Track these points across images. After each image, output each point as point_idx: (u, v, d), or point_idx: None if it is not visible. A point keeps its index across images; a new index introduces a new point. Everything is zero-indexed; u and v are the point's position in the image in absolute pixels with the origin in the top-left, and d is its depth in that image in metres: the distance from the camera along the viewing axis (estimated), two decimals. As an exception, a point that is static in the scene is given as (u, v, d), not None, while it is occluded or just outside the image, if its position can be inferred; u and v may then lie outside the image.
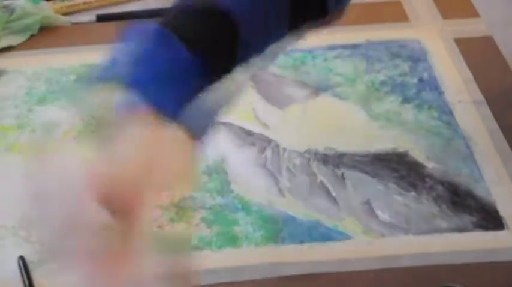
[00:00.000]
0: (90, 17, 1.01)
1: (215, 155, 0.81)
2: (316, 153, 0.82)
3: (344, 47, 0.95)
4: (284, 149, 0.82)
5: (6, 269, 0.71)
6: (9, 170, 0.80)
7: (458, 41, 0.95)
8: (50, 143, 0.83)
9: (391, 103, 0.87)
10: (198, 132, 0.55)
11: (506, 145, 0.82)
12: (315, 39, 0.95)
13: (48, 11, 0.98)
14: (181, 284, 0.50)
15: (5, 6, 0.98)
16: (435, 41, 0.95)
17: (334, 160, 0.81)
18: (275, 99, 0.88)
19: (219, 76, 0.57)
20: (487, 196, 0.77)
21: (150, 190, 0.51)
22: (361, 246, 0.73)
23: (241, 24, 0.57)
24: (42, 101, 0.88)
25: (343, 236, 0.74)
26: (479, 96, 0.88)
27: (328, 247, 0.73)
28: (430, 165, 0.80)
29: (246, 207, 0.76)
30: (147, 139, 0.52)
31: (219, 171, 0.80)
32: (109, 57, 0.55)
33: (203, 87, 0.56)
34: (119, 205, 0.49)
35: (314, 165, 0.80)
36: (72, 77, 0.91)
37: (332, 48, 0.94)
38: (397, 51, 0.94)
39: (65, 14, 1.01)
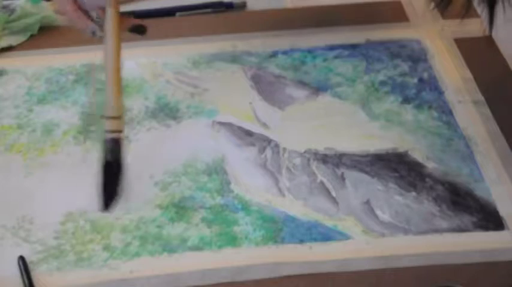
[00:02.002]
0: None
1: (215, 155, 0.81)
2: (316, 153, 0.82)
3: (344, 47, 0.95)
4: (284, 149, 0.82)
5: (6, 269, 0.71)
6: (9, 170, 0.80)
7: (458, 41, 0.95)
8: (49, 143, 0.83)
9: (391, 103, 0.87)
10: None
11: (506, 145, 0.82)
12: (315, 39, 0.95)
13: (48, 11, 0.98)
14: None
15: (4, 6, 0.99)
16: (435, 41, 0.95)
17: (334, 160, 0.81)
18: (275, 99, 0.88)
19: None
20: (487, 196, 0.77)
21: None
22: (361, 246, 0.73)
23: None
24: (42, 101, 0.88)
25: (343, 236, 0.74)
26: (479, 96, 0.88)
27: (328, 247, 0.73)
28: (430, 165, 0.80)
29: (246, 207, 0.76)
30: None
31: (219, 171, 0.80)
32: None
33: None
34: None
35: (314, 165, 0.80)
36: (72, 77, 0.91)
37: (332, 48, 0.94)
38: (397, 51, 0.94)
39: (65, 14, 1.01)
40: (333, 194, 0.78)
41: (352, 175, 0.79)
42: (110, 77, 0.75)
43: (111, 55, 0.75)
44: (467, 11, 0.77)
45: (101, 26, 0.76)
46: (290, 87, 0.90)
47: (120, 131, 0.75)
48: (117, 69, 0.75)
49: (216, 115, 0.86)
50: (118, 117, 0.75)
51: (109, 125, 0.75)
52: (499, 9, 0.74)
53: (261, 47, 0.95)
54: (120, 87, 0.76)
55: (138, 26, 0.80)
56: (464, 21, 0.79)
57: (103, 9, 0.75)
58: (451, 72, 0.91)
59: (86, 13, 0.77)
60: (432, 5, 0.80)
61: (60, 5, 0.78)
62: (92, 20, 0.77)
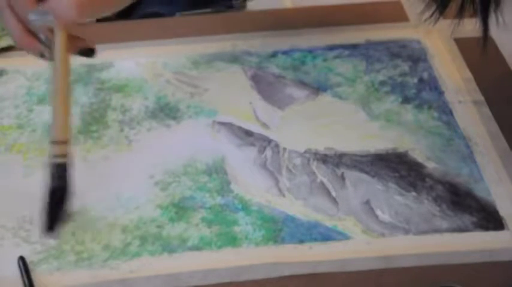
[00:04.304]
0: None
1: (215, 155, 0.81)
2: (316, 153, 0.82)
3: (344, 47, 0.95)
4: (284, 149, 0.82)
5: (6, 269, 0.71)
6: (9, 170, 0.80)
7: (458, 41, 0.95)
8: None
9: (391, 103, 0.87)
10: None
11: (506, 145, 0.82)
12: (315, 39, 0.96)
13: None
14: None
15: (4, 6, 0.98)
16: (435, 40, 0.96)
17: (334, 160, 0.81)
18: (275, 99, 0.88)
19: None
20: (487, 196, 0.77)
21: None
22: (361, 246, 0.73)
23: None
24: (42, 101, 0.88)
25: (343, 236, 0.74)
26: (479, 96, 0.88)
27: (328, 247, 0.73)
28: (430, 165, 0.80)
29: (246, 207, 0.76)
30: None
31: (219, 171, 0.80)
32: None
33: None
34: None
35: (314, 165, 0.80)
36: (72, 77, 0.91)
37: (332, 48, 0.94)
38: (397, 51, 0.94)
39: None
40: (333, 194, 0.78)
41: (352, 175, 0.79)
42: (57, 101, 0.71)
43: (59, 79, 0.71)
44: (462, 16, 0.78)
45: (50, 48, 0.72)
46: (290, 87, 0.90)
47: (65, 156, 0.71)
48: (65, 93, 0.72)
49: (216, 115, 0.86)
50: (64, 142, 0.71)
51: (54, 149, 0.71)
52: (491, 16, 0.74)
53: (261, 47, 0.95)
54: (68, 110, 0.72)
55: (86, 49, 0.76)
56: (464, 21, 0.79)
57: (51, 30, 0.71)
58: (451, 72, 0.91)
59: (34, 34, 0.72)
60: (430, 11, 0.80)
61: (6, 25, 0.73)
62: (40, 41, 0.72)
